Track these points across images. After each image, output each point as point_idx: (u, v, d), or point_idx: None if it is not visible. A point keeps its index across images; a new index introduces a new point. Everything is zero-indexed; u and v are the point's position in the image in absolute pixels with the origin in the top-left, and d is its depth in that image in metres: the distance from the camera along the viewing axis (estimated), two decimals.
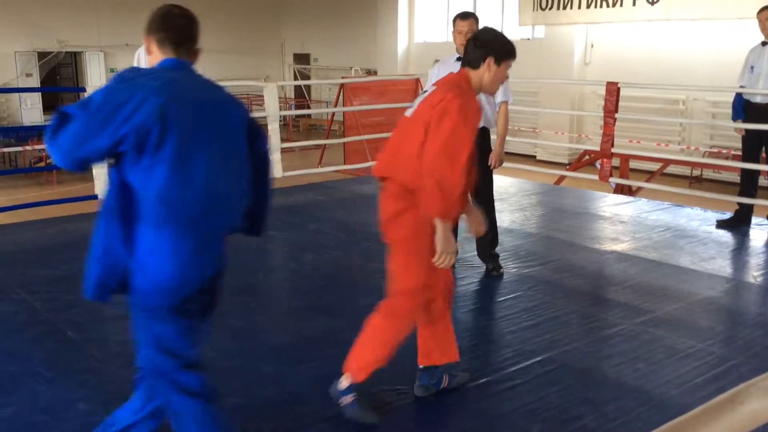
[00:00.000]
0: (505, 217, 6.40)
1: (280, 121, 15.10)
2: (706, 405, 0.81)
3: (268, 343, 3.70)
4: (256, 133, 2.39)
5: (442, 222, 2.73)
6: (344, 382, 2.94)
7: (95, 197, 6.18)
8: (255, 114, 9.02)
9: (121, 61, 18.98)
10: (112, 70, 19.26)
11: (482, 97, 4.44)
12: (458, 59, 4.62)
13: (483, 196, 4.69)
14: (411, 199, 2.78)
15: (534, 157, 14.21)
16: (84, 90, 6.34)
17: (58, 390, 3.17)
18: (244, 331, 3.87)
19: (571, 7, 13.06)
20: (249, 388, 3.22)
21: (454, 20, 4.67)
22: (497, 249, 4.96)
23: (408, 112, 2.95)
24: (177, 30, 2.28)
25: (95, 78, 18.88)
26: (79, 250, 5.45)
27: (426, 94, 2.95)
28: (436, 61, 8.17)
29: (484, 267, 4.91)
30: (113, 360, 3.51)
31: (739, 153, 6.35)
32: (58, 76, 21.07)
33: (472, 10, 15.98)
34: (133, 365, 3.41)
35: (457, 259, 5.01)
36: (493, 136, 4.84)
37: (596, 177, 7.87)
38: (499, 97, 4.67)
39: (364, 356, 2.94)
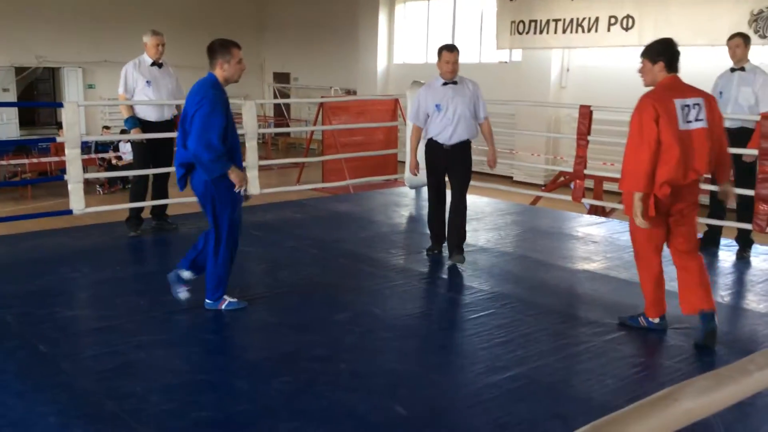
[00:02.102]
0: (480, 237, 6.48)
1: (259, 139, 15.10)
2: (643, 401, 0.86)
3: (242, 358, 3.72)
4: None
5: None
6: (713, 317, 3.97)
7: (70, 212, 6.17)
8: None
9: (99, 77, 18.94)
10: (90, 86, 19.19)
11: (467, 114, 5.40)
12: (444, 84, 5.45)
13: (457, 200, 5.55)
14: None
15: (511, 177, 14.36)
16: (61, 105, 6.33)
17: (28, 404, 3.16)
18: (218, 345, 3.89)
19: (548, 32, 13.30)
20: (221, 402, 3.23)
21: (441, 51, 5.42)
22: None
23: (693, 126, 3.84)
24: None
25: (73, 93, 18.78)
26: (53, 265, 5.48)
27: (696, 107, 3.86)
28: (415, 82, 8.30)
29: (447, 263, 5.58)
30: (85, 375, 3.51)
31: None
32: (36, 92, 20.96)
33: (450, 33, 16.27)
34: (105, 380, 3.42)
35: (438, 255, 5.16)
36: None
37: (570, 198, 7.98)
38: (482, 114, 5.55)
39: (707, 290, 4.01)
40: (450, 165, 5.53)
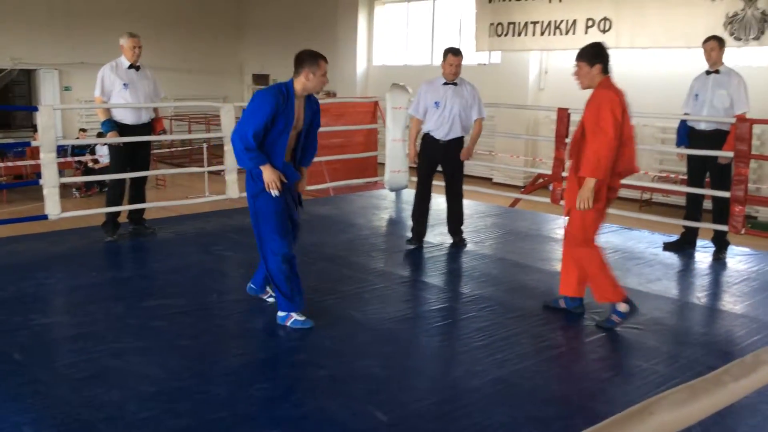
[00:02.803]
0: None
1: None
2: (619, 415, 0.85)
3: (220, 365, 3.68)
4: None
5: None
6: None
7: (45, 217, 6.08)
8: (212, 134, 9.01)
9: (76, 79, 18.72)
10: (66, 89, 18.97)
11: (463, 114, 5.96)
12: (445, 83, 5.95)
13: (454, 192, 6.14)
14: None
15: (491, 179, 14.41)
16: (36, 109, 6.24)
17: (3, 413, 3.11)
18: (196, 352, 3.85)
19: (526, 34, 13.36)
20: (199, 409, 3.19)
21: (446, 54, 5.87)
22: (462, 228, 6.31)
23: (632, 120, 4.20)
24: None
25: (49, 96, 18.55)
26: (28, 271, 5.39)
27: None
28: (395, 85, 8.30)
29: (451, 243, 6.24)
30: (60, 383, 3.45)
31: (685, 177, 6.55)
32: (11, 94, 20.68)
33: (430, 35, 16.30)
34: (80, 389, 3.37)
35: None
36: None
37: (549, 200, 8.01)
38: (476, 115, 6.00)
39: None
40: (445, 158, 6.03)
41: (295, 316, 4.20)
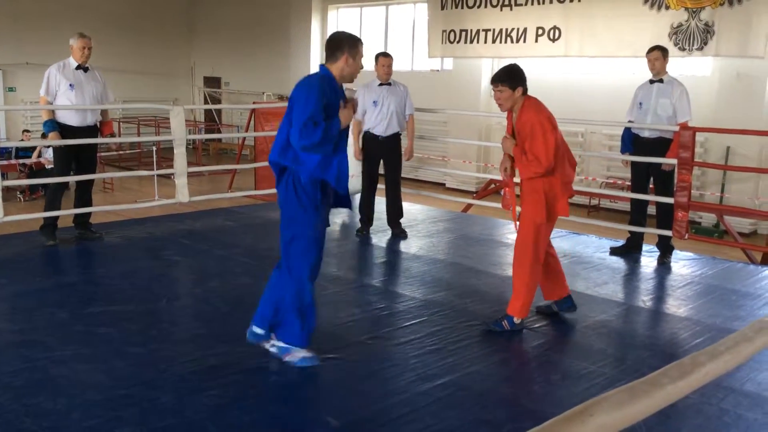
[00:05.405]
0: (413, 244, 6.52)
1: (189, 144, 14.76)
2: (559, 417, 0.87)
3: (168, 372, 3.62)
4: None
5: None
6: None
7: None
8: (162, 137, 8.85)
9: (20, 79, 18.22)
10: (10, 89, 18.44)
11: (399, 111, 6.50)
12: (380, 84, 6.53)
13: (393, 182, 6.71)
14: None
15: (443, 185, 14.51)
16: None
17: None
18: (143, 358, 3.78)
19: (478, 42, 13.51)
20: (146, 417, 3.14)
21: (378, 57, 6.52)
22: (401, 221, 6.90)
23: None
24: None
25: None
26: None
27: None
28: (347, 89, 8.32)
29: (390, 236, 6.76)
30: (3, 392, 3.35)
31: (629, 183, 6.70)
32: None
33: (383, 40, 16.36)
34: (24, 397, 3.28)
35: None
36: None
37: (501, 205, 8.09)
38: (408, 111, 6.65)
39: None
40: (384, 154, 6.62)
41: (301, 352, 3.71)
